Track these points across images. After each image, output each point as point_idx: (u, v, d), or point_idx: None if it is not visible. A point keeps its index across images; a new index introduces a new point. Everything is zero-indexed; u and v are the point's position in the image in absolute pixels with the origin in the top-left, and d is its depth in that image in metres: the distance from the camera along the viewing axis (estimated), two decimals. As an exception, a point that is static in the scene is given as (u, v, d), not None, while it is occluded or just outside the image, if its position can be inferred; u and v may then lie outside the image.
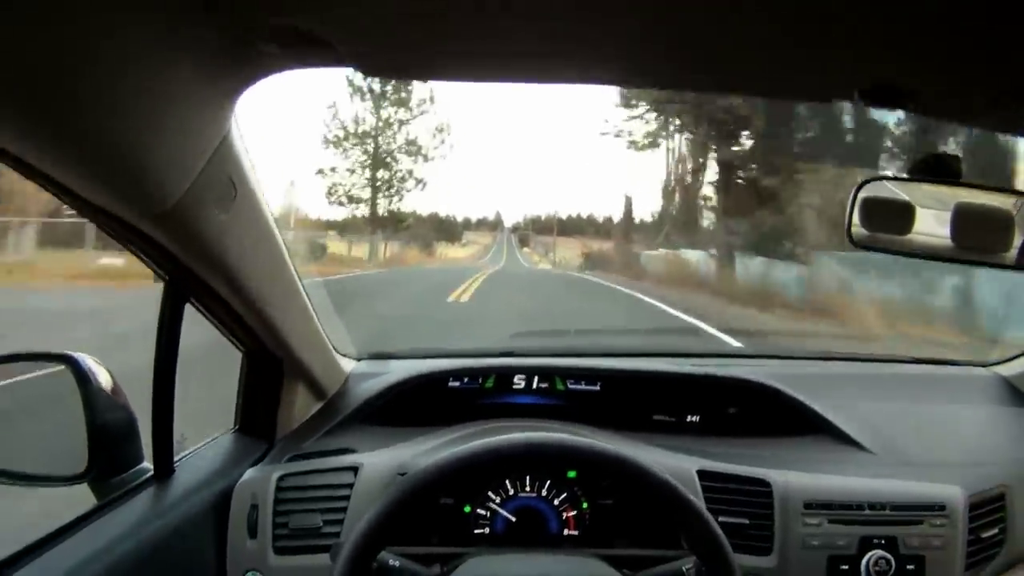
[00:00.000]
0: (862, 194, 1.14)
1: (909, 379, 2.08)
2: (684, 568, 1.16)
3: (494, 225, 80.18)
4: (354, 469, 1.43)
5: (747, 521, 1.39)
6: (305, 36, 0.77)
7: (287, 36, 0.77)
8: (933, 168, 1.03)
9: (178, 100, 0.80)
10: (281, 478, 1.41)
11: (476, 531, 1.44)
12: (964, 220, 1.14)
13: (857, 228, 1.14)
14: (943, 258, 1.16)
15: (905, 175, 1.05)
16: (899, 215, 1.17)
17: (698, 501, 1.13)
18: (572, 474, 1.45)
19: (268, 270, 1.25)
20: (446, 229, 59.63)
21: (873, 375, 2.10)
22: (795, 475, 1.46)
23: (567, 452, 1.15)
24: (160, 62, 0.74)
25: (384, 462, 1.45)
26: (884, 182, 1.13)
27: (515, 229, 74.42)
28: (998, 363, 2.09)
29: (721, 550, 1.10)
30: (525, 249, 64.12)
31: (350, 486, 1.41)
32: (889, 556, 1.36)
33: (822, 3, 0.67)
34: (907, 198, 1.16)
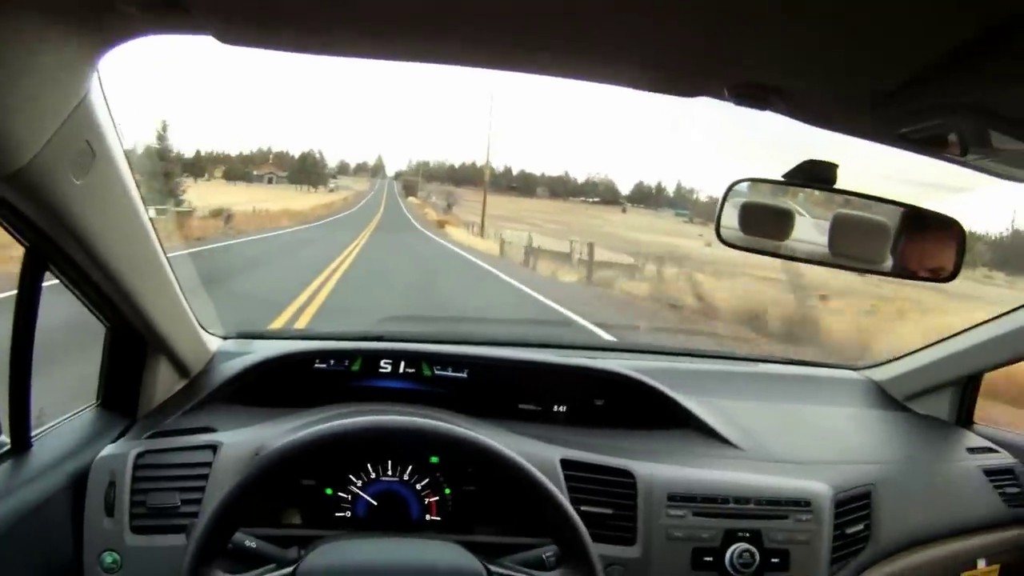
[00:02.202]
0: (741, 199, 1.20)
1: (780, 379, 2.18)
2: (544, 555, 1.19)
3: (375, 171, 75.17)
4: (213, 448, 1.42)
5: (611, 511, 1.43)
6: None
7: None
8: (808, 173, 1.09)
9: (34, 57, 0.78)
10: (139, 455, 1.39)
11: (337, 514, 1.45)
12: (842, 230, 1.22)
13: (728, 229, 1.20)
14: (818, 262, 1.24)
15: (779, 178, 1.10)
16: (777, 221, 1.24)
17: (555, 488, 1.16)
18: (435, 459, 1.47)
19: (129, 242, 1.22)
20: (307, 172, 54.52)
21: (744, 373, 2.18)
22: (660, 467, 1.51)
23: (424, 435, 1.17)
24: (15, 17, 0.72)
25: (244, 441, 1.44)
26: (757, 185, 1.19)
27: (398, 176, 70.44)
28: (869, 367, 2.22)
29: (579, 537, 1.13)
30: (412, 199, 57.52)
31: (209, 465, 1.40)
32: (753, 549, 1.42)
33: None
34: (787, 205, 1.23)
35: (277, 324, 6.71)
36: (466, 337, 2.07)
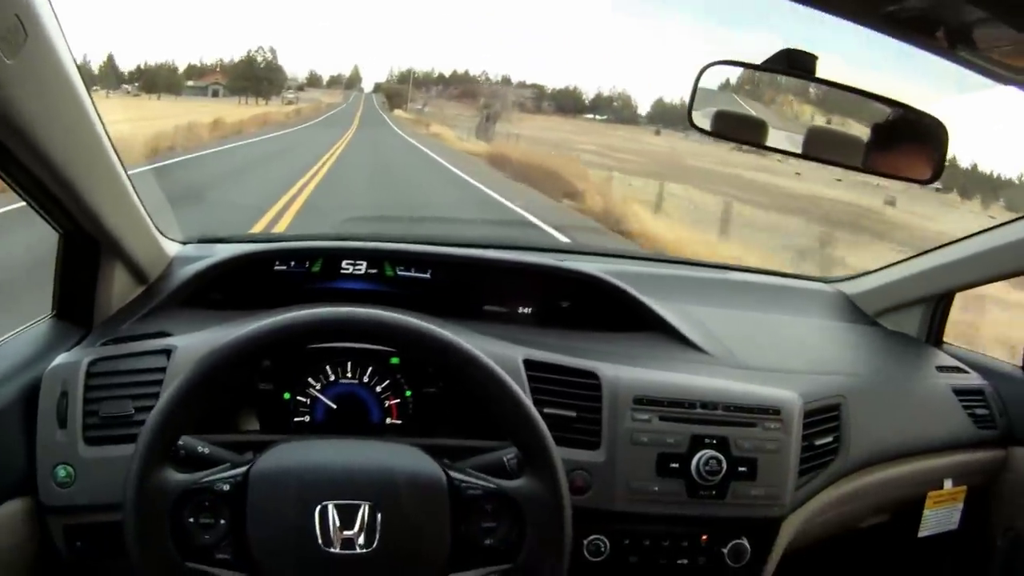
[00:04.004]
0: (716, 108, 1.20)
1: (752, 288, 2.17)
2: (506, 459, 1.17)
3: (350, 83, 63.63)
4: (167, 352, 1.39)
5: (574, 414, 1.41)
6: None
7: None
8: (787, 61, 1.05)
9: None
10: (92, 363, 1.35)
11: (296, 419, 1.43)
12: (816, 139, 1.24)
13: (700, 115, 1.16)
14: (791, 153, 1.22)
15: (755, 63, 1.05)
16: (752, 130, 1.25)
17: (516, 386, 1.12)
18: (395, 361, 1.45)
19: (73, 133, 1.15)
20: (255, 80, 43.48)
21: (715, 280, 2.17)
22: (626, 369, 1.49)
23: (378, 326, 1.13)
24: None
25: (198, 344, 1.40)
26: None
27: (379, 88, 58.95)
28: (842, 280, 2.23)
29: (540, 439, 1.10)
30: (400, 113, 45.75)
31: (163, 370, 1.36)
32: (720, 456, 1.40)
33: None
34: (761, 117, 1.21)
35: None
36: (431, 238, 2.03)
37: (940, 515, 1.84)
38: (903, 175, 1.25)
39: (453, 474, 1.11)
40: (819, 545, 1.71)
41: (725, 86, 1.29)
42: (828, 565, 1.94)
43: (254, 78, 44.49)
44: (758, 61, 1.08)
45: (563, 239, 7.15)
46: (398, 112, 47.09)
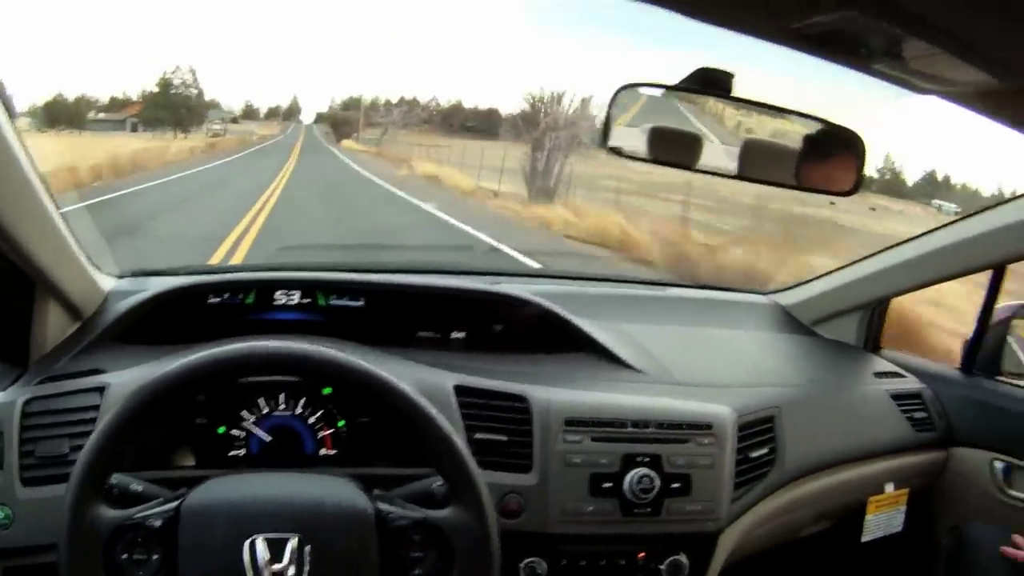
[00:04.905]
0: (651, 124, 1.20)
1: (686, 303, 2.21)
2: (435, 486, 1.18)
3: (289, 113, 59.36)
4: (100, 389, 1.38)
5: (506, 438, 1.42)
6: None
7: None
8: (703, 81, 1.06)
9: None
10: (27, 403, 1.35)
11: (232, 453, 1.43)
12: (752, 154, 1.25)
13: (620, 139, 1.17)
14: (725, 175, 1.24)
15: (671, 84, 1.07)
16: (689, 147, 1.25)
17: (439, 416, 1.13)
18: (327, 391, 1.45)
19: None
20: (172, 108, 36.24)
21: (650, 297, 2.20)
22: (556, 391, 1.50)
23: (297, 359, 1.14)
24: None
25: (132, 381, 1.38)
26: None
27: (322, 118, 53.41)
28: (777, 291, 2.27)
29: (463, 468, 1.11)
30: (349, 144, 39.73)
31: (96, 408, 1.36)
32: (653, 474, 1.41)
33: None
34: (696, 131, 1.22)
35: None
36: (365, 265, 2.04)
37: (882, 519, 1.88)
38: (828, 189, 1.28)
39: (380, 504, 1.12)
40: (762, 556, 1.73)
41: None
42: (772, 575, 1.96)
43: (170, 106, 37.58)
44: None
45: (529, 263, 7.13)
46: (348, 144, 40.72)
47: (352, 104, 50.20)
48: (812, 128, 1.25)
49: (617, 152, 1.19)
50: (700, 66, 1.07)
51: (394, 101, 45.83)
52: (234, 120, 46.98)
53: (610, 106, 1.16)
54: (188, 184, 17.15)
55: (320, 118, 53.68)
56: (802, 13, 0.82)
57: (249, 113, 53.36)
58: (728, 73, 1.08)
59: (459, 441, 1.12)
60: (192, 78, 39.44)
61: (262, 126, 49.90)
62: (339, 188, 17.91)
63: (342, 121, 47.53)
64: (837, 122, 1.22)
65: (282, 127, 52.12)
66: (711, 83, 1.07)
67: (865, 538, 1.86)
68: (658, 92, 1.19)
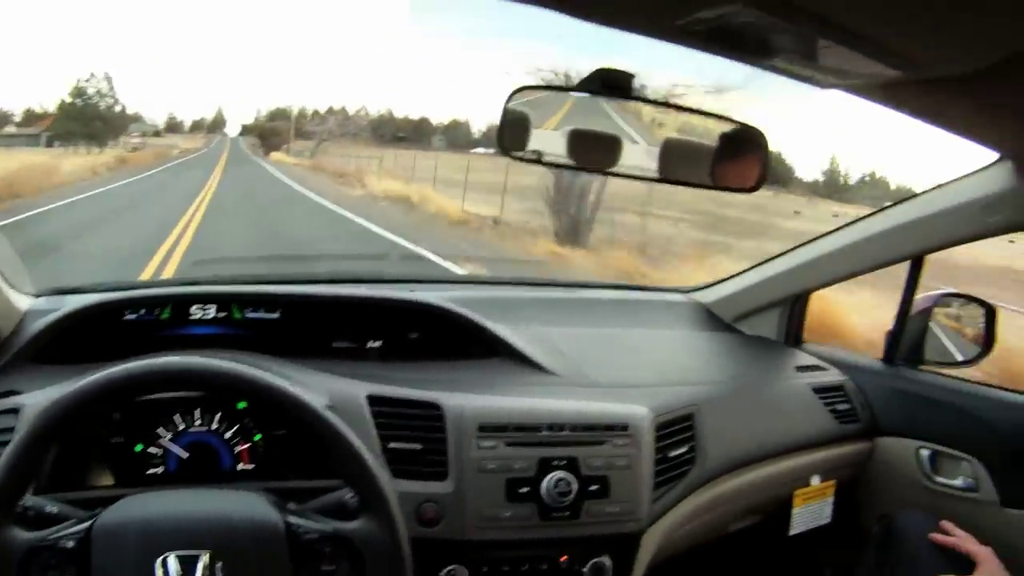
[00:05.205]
0: (569, 127, 1.19)
1: (607, 304, 2.22)
2: (347, 497, 1.17)
3: (214, 126, 57.72)
4: (15, 411, 1.35)
5: (420, 446, 1.42)
6: None
7: None
8: (602, 82, 1.06)
9: None
10: None
11: (149, 471, 1.41)
12: (671, 154, 1.25)
13: (512, 142, 1.16)
14: (644, 178, 1.25)
15: (568, 86, 1.06)
16: (608, 149, 1.24)
17: (345, 427, 1.14)
18: (242, 405, 1.44)
19: None
20: (84, 120, 33.35)
21: (569, 299, 2.21)
22: (470, 398, 1.50)
23: (202, 375, 1.14)
24: None
25: (45, 401, 1.33)
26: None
27: (248, 129, 51.77)
28: (697, 289, 2.29)
29: (371, 479, 1.12)
30: (279, 157, 37.31)
31: (11, 430, 1.31)
32: (570, 477, 1.42)
33: None
34: (614, 132, 1.21)
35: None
36: (283, 276, 2.04)
37: (810, 511, 1.91)
38: (738, 187, 1.29)
39: (291, 518, 1.11)
40: (690, 553, 1.74)
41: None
42: (701, 572, 1.98)
43: (83, 118, 34.27)
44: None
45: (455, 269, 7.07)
46: (279, 157, 38.30)
47: (279, 115, 49.46)
48: (719, 125, 1.26)
49: (515, 157, 1.17)
50: (599, 67, 1.07)
51: (322, 111, 45.20)
52: (157, 133, 45.50)
53: (504, 111, 1.14)
54: (74, 214, 13.56)
55: (246, 130, 52.49)
56: (686, 9, 0.82)
57: (173, 126, 52.54)
58: (628, 74, 1.08)
59: (365, 452, 1.13)
60: (108, 87, 37.34)
61: (186, 139, 48.37)
62: (280, 217, 14.30)
63: (270, 132, 46.26)
64: (741, 120, 1.23)
65: (206, 140, 50.40)
66: (611, 84, 1.08)
67: (793, 531, 1.89)
68: (555, 94, 1.18)
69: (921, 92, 1.10)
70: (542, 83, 1.17)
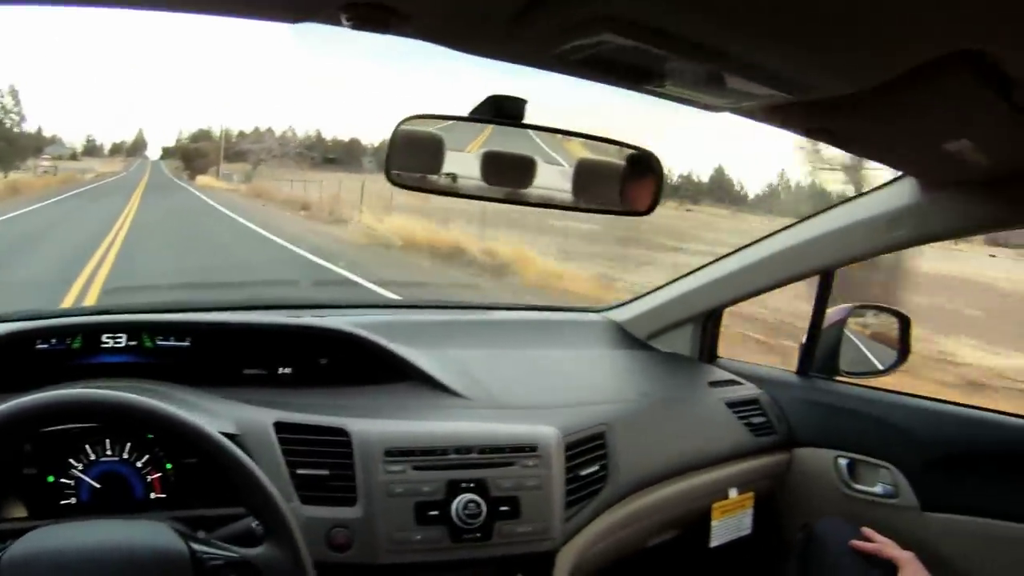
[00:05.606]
0: (489, 149, 1.20)
1: (519, 326, 2.24)
2: (254, 524, 1.19)
3: (134, 149, 54.41)
4: None
5: (327, 472, 1.42)
6: None
7: None
8: (494, 109, 1.07)
9: None
10: None
11: (63, 502, 1.40)
12: (584, 175, 1.27)
13: (402, 172, 1.17)
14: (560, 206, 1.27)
15: (459, 115, 1.07)
16: (523, 170, 1.25)
17: (243, 455, 1.15)
18: (152, 435, 1.43)
19: None
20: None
21: (481, 322, 2.23)
22: (377, 423, 1.51)
23: (90, 406, 1.15)
24: None
25: None
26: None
27: (170, 152, 48.71)
28: (610, 308, 2.32)
29: (272, 506, 1.13)
30: (207, 181, 34.28)
31: None
32: (479, 499, 1.43)
33: None
34: (529, 153, 1.23)
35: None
36: (194, 304, 2.02)
37: (729, 523, 1.94)
38: (636, 209, 1.31)
39: (196, 546, 1.11)
40: (610, 569, 1.76)
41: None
42: None
43: None
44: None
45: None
46: (206, 181, 34.86)
47: (202, 136, 46.70)
48: (618, 150, 1.28)
49: (401, 185, 1.18)
50: (491, 94, 1.08)
51: (247, 132, 43.11)
52: (73, 157, 43.25)
53: (392, 140, 1.14)
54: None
55: (168, 152, 49.95)
56: (561, 38, 0.83)
57: (92, 149, 49.86)
58: (521, 100, 1.09)
59: (265, 479, 1.14)
60: (13, 102, 34.33)
61: (104, 163, 46.24)
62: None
63: (194, 154, 43.32)
64: (636, 144, 1.25)
65: (125, 164, 48.08)
66: (502, 111, 1.09)
67: (713, 543, 1.91)
68: (446, 123, 1.18)
69: (814, 113, 1.13)
70: (433, 113, 1.16)
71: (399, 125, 1.16)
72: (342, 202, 20.42)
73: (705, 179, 41.06)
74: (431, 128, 1.22)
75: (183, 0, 0.85)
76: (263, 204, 23.15)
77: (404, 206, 16.42)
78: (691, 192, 37.46)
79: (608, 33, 0.81)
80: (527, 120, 1.11)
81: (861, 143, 1.42)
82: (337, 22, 0.81)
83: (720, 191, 38.89)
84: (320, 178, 27.54)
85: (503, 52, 0.91)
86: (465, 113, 1.11)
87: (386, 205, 17.49)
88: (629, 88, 1.04)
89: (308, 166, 36.15)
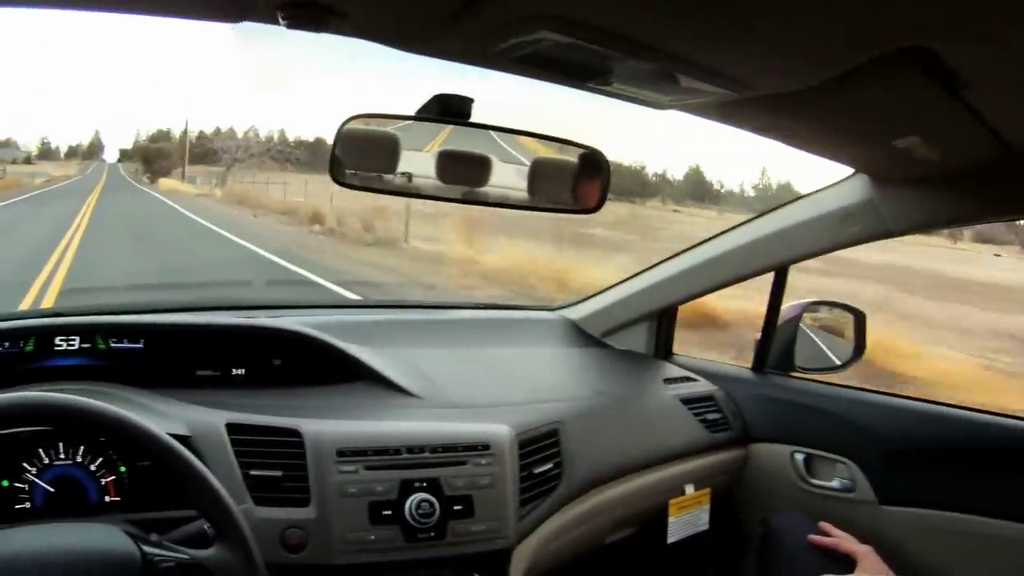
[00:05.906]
0: (441, 147, 1.20)
1: (473, 324, 2.25)
2: (206, 526, 1.19)
3: (90, 152, 51.86)
4: None
5: (280, 473, 1.43)
6: None
7: None
8: (439, 108, 1.08)
9: None
10: None
11: (18, 507, 1.39)
12: (540, 174, 1.28)
13: (351, 172, 1.17)
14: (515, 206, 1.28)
15: (404, 114, 1.07)
16: (479, 169, 1.26)
17: (192, 457, 1.16)
18: (103, 437, 1.42)
19: None
20: None
21: (437, 321, 2.23)
22: (328, 423, 1.51)
23: (37, 409, 1.15)
24: None
25: None
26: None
27: (127, 155, 46.08)
28: (565, 306, 2.34)
29: (221, 507, 1.14)
30: (171, 185, 31.82)
31: None
32: (432, 499, 1.44)
33: None
34: (485, 152, 1.24)
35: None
36: (149, 306, 2.00)
37: (685, 519, 1.96)
38: (576, 208, 1.33)
39: (147, 548, 1.11)
40: (568, 566, 1.77)
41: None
42: None
43: None
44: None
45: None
46: (171, 184, 31.57)
47: (162, 136, 44.85)
48: (564, 150, 1.30)
49: (347, 185, 1.18)
50: (437, 93, 1.08)
51: (208, 132, 41.85)
52: (27, 160, 42.15)
53: (336, 139, 1.14)
54: None
55: (126, 155, 47.49)
56: (499, 36, 0.84)
57: (46, 152, 48.34)
58: (467, 99, 1.10)
59: (215, 481, 1.15)
60: None
61: (59, 167, 44.12)
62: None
63: (155, 155, 41.04)
64: (583, 143, 1.27)
65: (81, 167, 46.14)
66: (449, 110, 1.09)
67: (671, 539, 1.93)
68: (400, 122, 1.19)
69: (760, 110, 1.15)
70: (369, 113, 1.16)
71: (343, 125, 1.16)
72: (383, 213, 15.34)
73: (680, 178, 41.30)
74: (387, 127, 1.23)
75: (121, 1, 0.85)
76: (255, 215, 18.81)
77: (493, 225, 12.43)
78: (673, 193, 37.70)
79: (546, 31, 0.82)
80: (474, 119, 1.12)
81: (812, 140, 1.44)
82: (275, 21, 0.81)
83: (701, 190, 39.15)
84: (304, 179, 25.43)
85: (442, 50, 0.92)
86: (412, 112, 1.11)
87: (468, 222, 12.66)
88: (573, 86, 1.05)
89: (291, 167, 34.83)
